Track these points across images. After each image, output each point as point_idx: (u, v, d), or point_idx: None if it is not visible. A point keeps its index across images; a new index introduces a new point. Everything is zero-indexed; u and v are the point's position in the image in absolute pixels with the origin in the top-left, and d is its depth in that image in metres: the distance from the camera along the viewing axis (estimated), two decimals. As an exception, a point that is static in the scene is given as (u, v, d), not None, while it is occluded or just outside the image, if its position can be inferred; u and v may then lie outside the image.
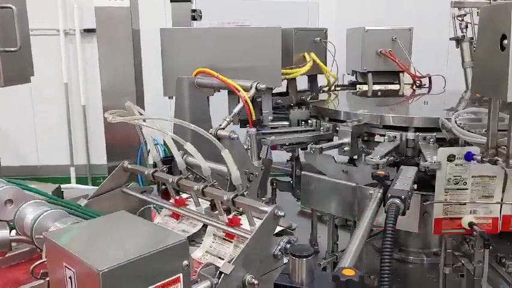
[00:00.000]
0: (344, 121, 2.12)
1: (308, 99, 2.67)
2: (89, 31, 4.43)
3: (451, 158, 1.68)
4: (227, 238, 1.34)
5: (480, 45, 1.32)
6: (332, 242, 2.07)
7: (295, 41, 2.60)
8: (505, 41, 1.20)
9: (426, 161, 1.72)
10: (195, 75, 2.05)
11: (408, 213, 1.55)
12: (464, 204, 1.73)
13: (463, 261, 1.87)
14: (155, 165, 1.96)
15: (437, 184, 1.70)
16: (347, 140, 2.00)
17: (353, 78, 3.21)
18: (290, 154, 2.61)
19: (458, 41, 2.94)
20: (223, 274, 1.04)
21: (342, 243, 2.22)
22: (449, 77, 3.10)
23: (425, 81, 3.08)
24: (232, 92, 2.19)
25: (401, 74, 3.03)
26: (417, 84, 3.04)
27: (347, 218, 2.10)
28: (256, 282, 1.08)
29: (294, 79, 2.63)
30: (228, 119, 1.74)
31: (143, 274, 0.79)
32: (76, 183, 4.62)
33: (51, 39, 4.39)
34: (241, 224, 1.29)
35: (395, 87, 3.03)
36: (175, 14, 2.82)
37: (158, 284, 0.80)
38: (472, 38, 2.90)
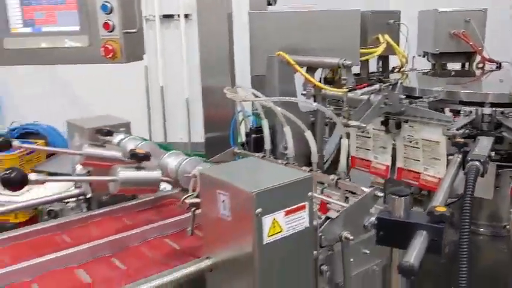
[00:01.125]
0: (420, 97, 2.25)
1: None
2: (167, 17, 4.75)
3: None
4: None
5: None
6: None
7: (370, 23, 2.74)
8: None
9: None
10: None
11: (484, 180, 1.68)
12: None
13: None
14: (247, 135, 2.22)
15: None
16: (424, 115, 2.14)
17: (424, 60, 3.30)
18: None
19: None
20: (329, 219, 1.23)
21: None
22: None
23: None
24: (310, 69, 2.39)
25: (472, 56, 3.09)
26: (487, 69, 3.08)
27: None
28: (351, 237, 1.24)
29: (367, 60, 2.78)
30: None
31: (281, 198, 1.01)
32: (154, 159, 4.99)
33: (134, 26, 4.74)
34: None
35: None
36: (252, -1, 3.04)
37: (291, 208, 1.03)
38: None
